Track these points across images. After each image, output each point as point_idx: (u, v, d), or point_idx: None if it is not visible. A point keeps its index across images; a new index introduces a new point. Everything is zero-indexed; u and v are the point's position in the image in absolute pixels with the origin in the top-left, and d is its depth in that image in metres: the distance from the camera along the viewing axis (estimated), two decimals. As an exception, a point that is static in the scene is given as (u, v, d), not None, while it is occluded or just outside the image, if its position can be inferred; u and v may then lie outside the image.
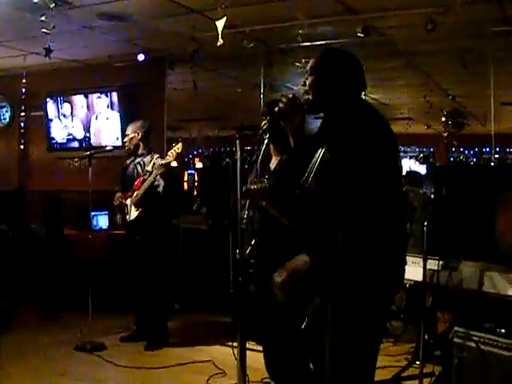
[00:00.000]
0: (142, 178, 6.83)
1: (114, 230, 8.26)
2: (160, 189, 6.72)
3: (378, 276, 3.15)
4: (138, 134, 7.00)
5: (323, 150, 3.25)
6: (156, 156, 6.95)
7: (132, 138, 7.01)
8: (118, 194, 7.04)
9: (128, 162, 7.14)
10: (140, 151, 7.03)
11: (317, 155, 3.29)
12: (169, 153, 6.63)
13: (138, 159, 7.01)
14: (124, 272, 7.31)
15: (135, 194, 6.84)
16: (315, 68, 3.44)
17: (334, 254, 3.15)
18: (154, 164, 6.80)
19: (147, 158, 6.95)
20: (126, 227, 7.07)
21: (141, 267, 6.90)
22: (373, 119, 3.30)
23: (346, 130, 3.19)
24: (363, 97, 3.62)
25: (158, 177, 6.67)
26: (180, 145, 6.65)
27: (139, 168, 6.96)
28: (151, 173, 6.75)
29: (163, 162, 6.64)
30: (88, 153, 6.94)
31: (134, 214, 6.90)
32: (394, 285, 3.36)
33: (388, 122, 3.40)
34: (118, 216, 7.11)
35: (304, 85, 3.49)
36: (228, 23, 6.35)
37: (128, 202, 6.93)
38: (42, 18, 6.39)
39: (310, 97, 3.46)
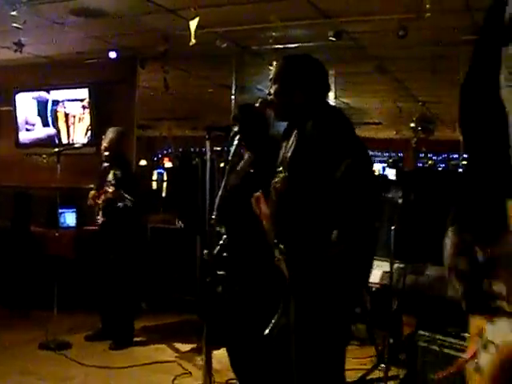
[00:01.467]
0: (105, 189, 6.80)
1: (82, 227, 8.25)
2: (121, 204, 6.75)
3: (346, 278, 3.18)
4: (114, 144, 6.92)
5: (291, 151, 3.31)
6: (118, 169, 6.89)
7: (108, 148, 6.90)
8: (92, 192, 6.96)
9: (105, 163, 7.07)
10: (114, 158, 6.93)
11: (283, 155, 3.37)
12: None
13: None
14: (91, 270, 7.26)
15: (100, 200, 6.83)
16: (278, 76, 3.47)
17: (301, 253, 3.20)
18: (114, 175, 6.77)
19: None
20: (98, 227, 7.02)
21: (107, 265, 6.87)
22: (344, 125, 3.34)
23: (319, 137, 3.23)
24: (332, 101, 3.68)
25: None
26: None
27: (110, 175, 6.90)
28: (111, 184, 6.75)
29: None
30: (57, 149, 6.89)
31: (100, 218, 6.90)
32: (360, 286, 3.41)
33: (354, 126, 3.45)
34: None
35: (270, 94, 3.51)
36: (201, 23, 6.36)
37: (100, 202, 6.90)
38: (13, 13, 6.34)
39: (276, 105, 3.51)
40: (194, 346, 6.57)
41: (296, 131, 3.37)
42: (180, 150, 19.81)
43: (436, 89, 10.60)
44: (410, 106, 11.43)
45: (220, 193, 3.53)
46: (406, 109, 10.91)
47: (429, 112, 12.34)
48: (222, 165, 4.50)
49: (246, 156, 4.75)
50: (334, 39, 6.98)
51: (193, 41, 6.29)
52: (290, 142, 3.38)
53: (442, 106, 12.15)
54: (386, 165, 19.61)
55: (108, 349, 6.65)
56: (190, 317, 7.47)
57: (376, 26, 7.10)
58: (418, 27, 6.57)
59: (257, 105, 3.73)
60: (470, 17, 6.60)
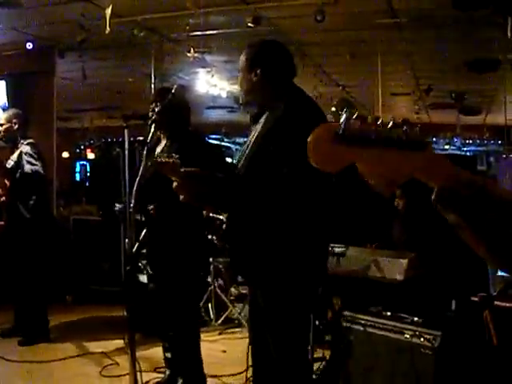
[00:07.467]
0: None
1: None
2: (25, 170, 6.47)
3: (303, 267, 3.19)
4: (15, 123, 6.63)
5: (256, 138, 3.25)
6: (26, 142, 6.61)
7: (7, 128, 6.60)
8: None
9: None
10: (18, 142, 6.62)
11: (249, 140, 3.30)
12: None
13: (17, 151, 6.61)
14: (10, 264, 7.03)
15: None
16: (247, 63, 3.44)
17: (256, 243, 3.18)
18: (20, 153, 6.51)
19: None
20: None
21: (13, 258, 6.70)
22: (312, 109, 3.35)
23: (287, 120, 3.17)
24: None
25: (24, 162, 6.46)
26: None
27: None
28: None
29: None
30: (-27, 144, 6.71)
31: None
32: (318, 275, 3.40)
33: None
34: None
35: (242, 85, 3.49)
36: (118, 12, 6.30)
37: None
38: None
39: (243, 92, 3.48)
40: (120, 336, 6.52)
41: (266, 114, 3.35)
42: (102, 140, 19.58)
43: (355, 73, 10.72)
44: (330, 90, 11.51)
45: (137, 181, 3.51)
46: (326, 94, 10.97)
47: (349, 96, 12.47)
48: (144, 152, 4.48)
49: (163, 143, 4.73)
50: (252, 25, 6.98)
51: (108, 29, 6.24)
52: (259, 126, 3.33)
53: (361, 90, 12.30)
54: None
55: (18, 344, 6.44)
56: (117, 308, 7.39)
57: (294, 10, 7.14)
58: (335, 12, 6.64)
59: (173, 90, 3.73)
60: (386, 1, 6.70)
